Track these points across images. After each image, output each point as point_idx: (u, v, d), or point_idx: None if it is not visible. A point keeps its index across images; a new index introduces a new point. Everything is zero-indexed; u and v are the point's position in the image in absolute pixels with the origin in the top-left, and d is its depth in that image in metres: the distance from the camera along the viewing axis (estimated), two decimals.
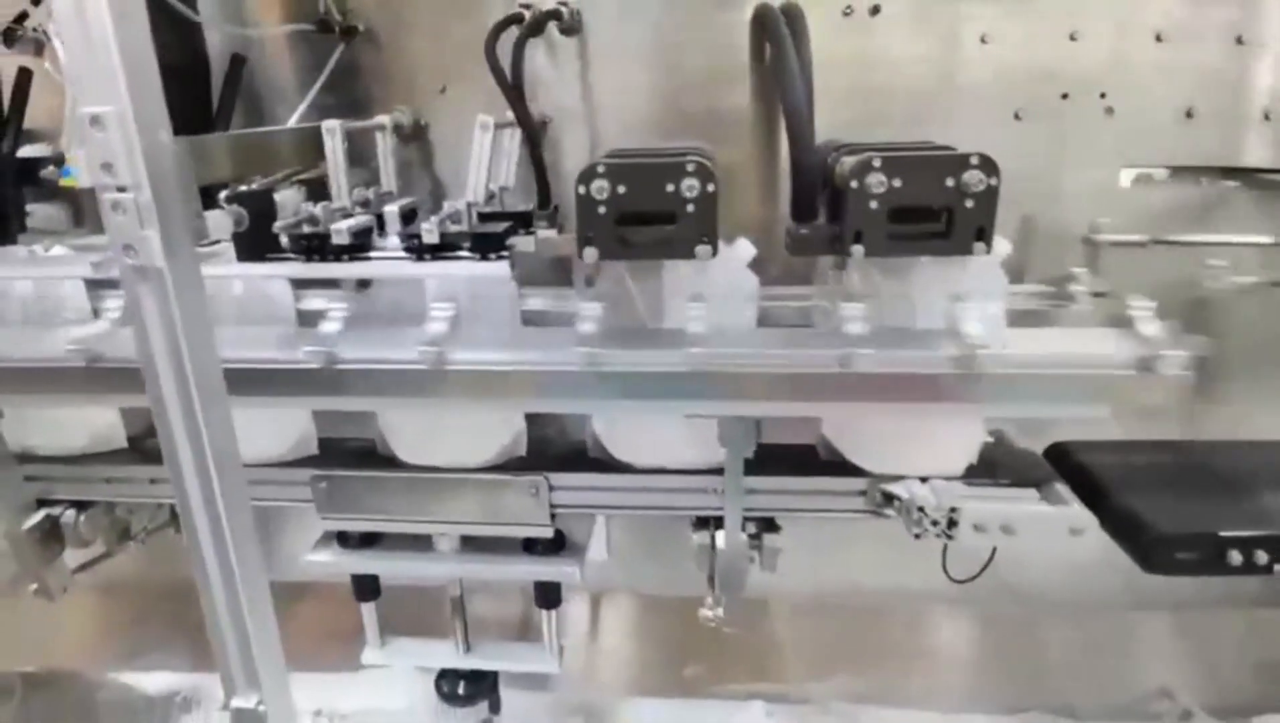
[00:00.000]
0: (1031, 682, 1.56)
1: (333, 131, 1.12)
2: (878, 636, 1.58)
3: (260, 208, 0.99)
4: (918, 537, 1.10)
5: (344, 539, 1.33)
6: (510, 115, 1.26)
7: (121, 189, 0.67)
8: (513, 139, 1.28)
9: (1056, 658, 1.57)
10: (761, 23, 1.21)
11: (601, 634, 1.65)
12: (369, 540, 1.33)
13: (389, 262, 1.00)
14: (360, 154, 1.34)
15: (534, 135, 1.19)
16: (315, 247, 0.97)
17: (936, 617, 1.60)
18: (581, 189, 0.99)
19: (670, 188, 0.99)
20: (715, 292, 1.12)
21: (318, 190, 1.19)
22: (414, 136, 1.37)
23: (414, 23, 1.34)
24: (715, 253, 1.03)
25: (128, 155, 0.66)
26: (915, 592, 1.41)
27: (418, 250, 1.00)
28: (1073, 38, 1.26)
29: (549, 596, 1.34)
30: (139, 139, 0.66)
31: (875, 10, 1.27)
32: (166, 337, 0.73)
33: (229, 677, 0.83)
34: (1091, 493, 1.15)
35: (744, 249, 1.12)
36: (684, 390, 1.03)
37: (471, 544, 1.31)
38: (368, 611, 1.39)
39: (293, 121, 1.29)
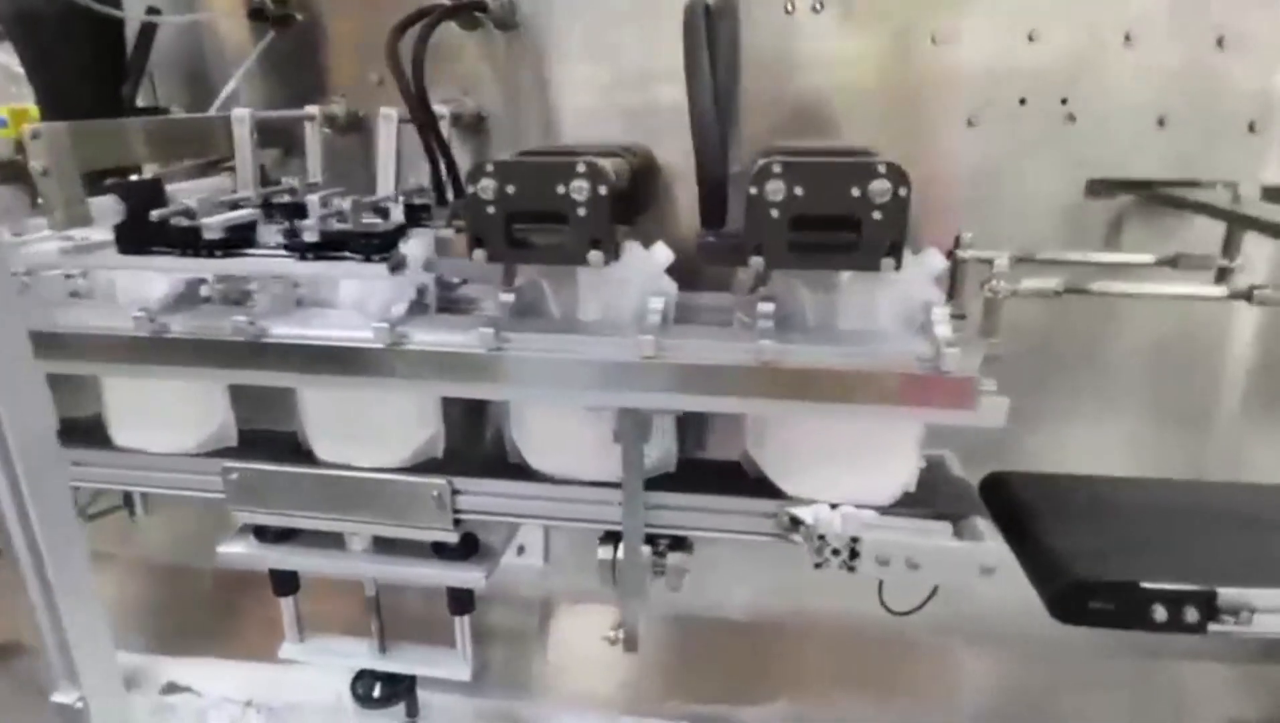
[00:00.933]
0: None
1: (242, 121, 1.10)
2: (815, 660, 1.51)
3: (147, 197, 0.97)
4: (818, 566, 1.03)
5: (261, 533, 1.31)
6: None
7: None
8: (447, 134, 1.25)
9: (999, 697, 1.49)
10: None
11: (531, 641, 1.62)
12: (286, 535, 1.32)
13: (261, 260, 0.97)
14: (300, 145, 1.33)
15: (431, 130, 1.14)
16: (189, 241, 0.94)
17: (873, 643, 1.52)
18: (470, 187, 0.95)
19: (560, 189, 0.94)
20: (628, 298, 1.07)
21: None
22: (351, 128, 1.34)
23: (351, 12, 1.32)
24: (612, 258, 0.99)
25: None
26: (859, 616, 1.33)
27: (300, 249, 0.97)
28: (1031, 38, 1.18)
29: (460, 601, 1.31)
30: None
31: (818, 8, 1.20)
32: None
33: (50, 670, 0.82)
34: (1016, 528, 1.07)
35: (661, 254, 1.07)
36: (577, 379, 0.99)
37: (383, 545, 1.28)
38: (286, 605, 1.37)
39: (214, 108, 1.27)
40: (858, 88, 1.23)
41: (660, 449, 1.14)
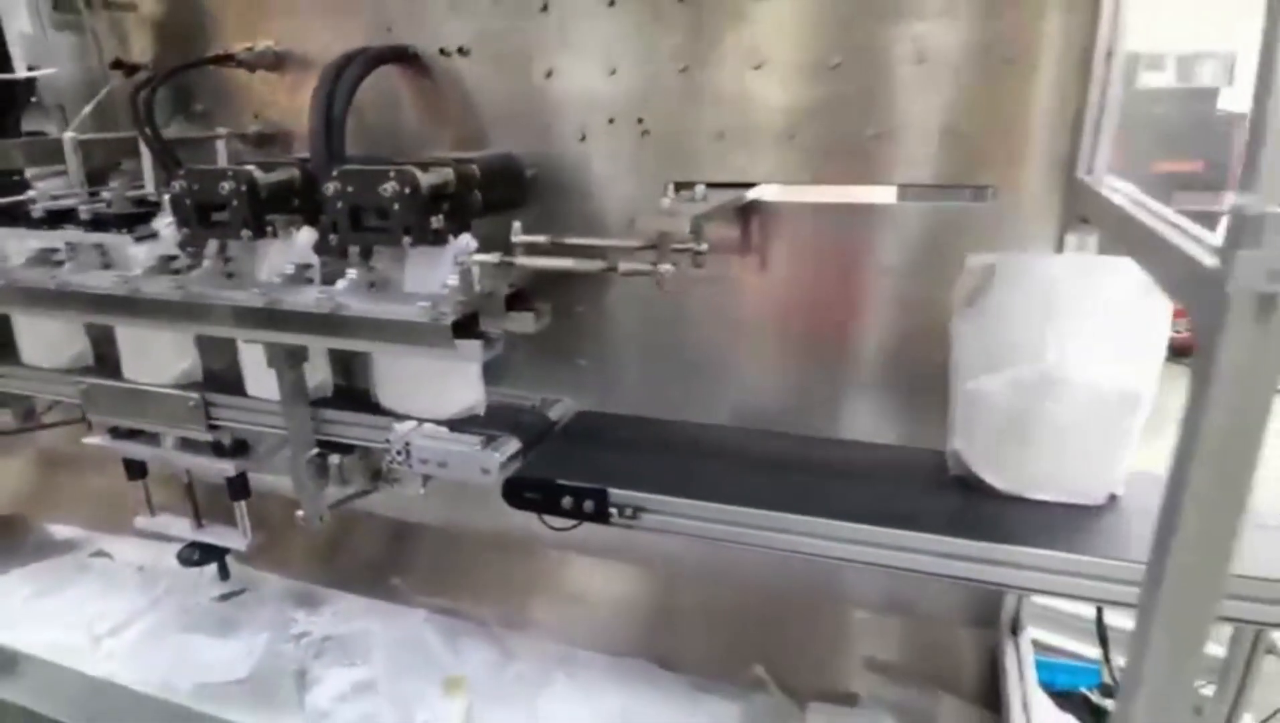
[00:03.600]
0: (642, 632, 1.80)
1: (72, 143, 1.64)
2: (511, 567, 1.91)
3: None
4: (392, 462, 1.43)
5: (114, 431, 1.86)
6: None
7: None
8: None
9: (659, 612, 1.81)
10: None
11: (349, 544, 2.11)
12: (133, 433, 1.86)
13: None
14: None
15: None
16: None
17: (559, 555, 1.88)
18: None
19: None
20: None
21: None
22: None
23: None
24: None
25: None
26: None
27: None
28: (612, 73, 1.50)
29: (235, 489, 1.79)
30: None
31: (463, 50, 1.58)
32: None
33: None
34: (548, 445, 1.43)
35: (305, 236, 1.49)
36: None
37: (187, 444, 1.79)
38: (133, 487, 1.92)
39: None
40: (502, 112, 1.60)
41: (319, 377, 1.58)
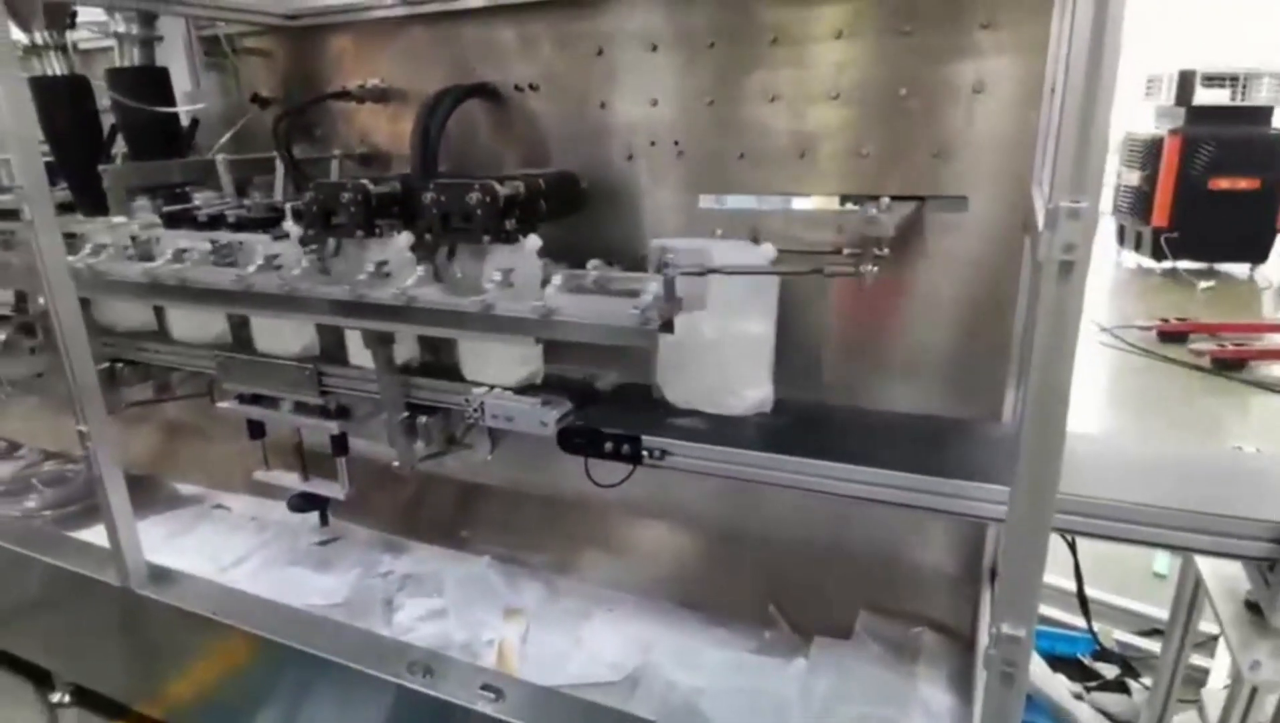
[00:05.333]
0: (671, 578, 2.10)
1: (222, 163, 2.05)
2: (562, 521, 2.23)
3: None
4: (469, 421, 1.77)
5: (241, 397, 2.25)
6: None
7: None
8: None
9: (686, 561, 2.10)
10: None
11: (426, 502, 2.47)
12: (257, 399, 2.24)
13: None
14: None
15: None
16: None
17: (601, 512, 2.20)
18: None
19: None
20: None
21: None
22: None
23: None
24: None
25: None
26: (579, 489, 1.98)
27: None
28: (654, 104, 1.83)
29: (338, 445, 2.16)
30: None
31: (534, 86, 1.94)
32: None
33: None
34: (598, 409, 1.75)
35: (403, 238, 1.85)
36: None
37: (300, 407, 2.17)
38: (255, 446, 2.30)
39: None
40: (563, 136, 1.94)
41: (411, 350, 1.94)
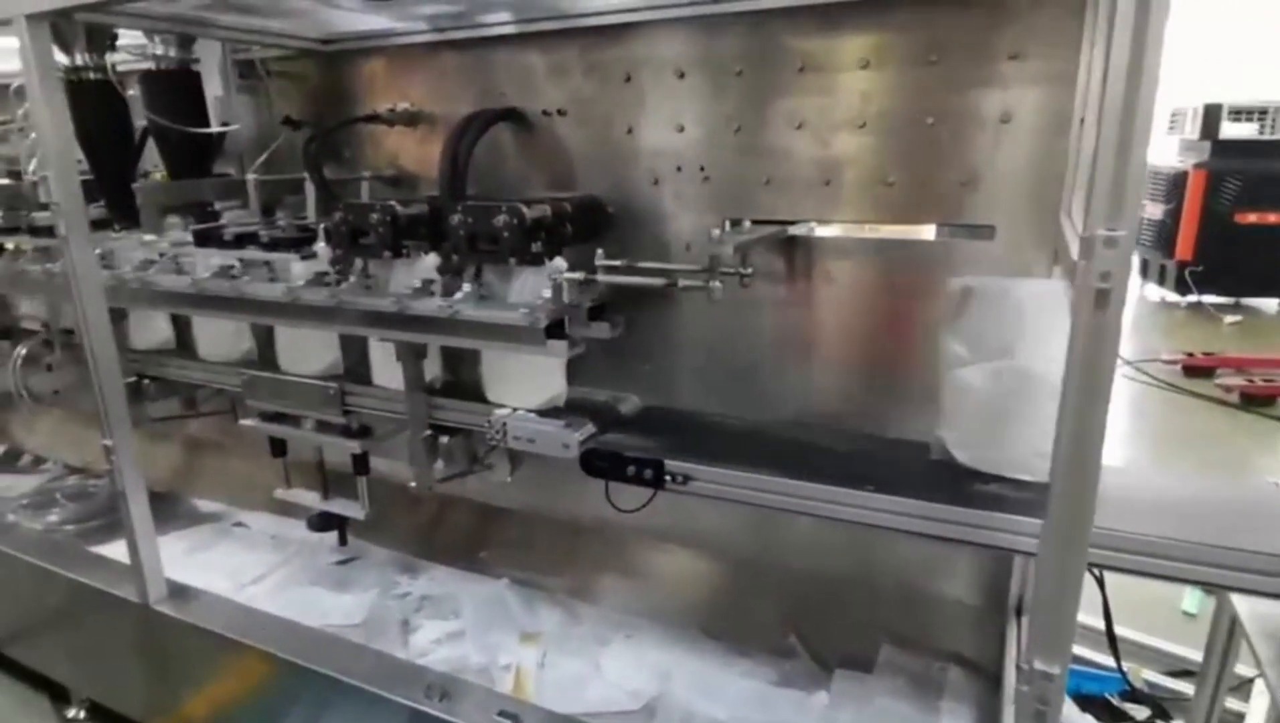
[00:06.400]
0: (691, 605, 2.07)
1: (252, 182, 2.08)
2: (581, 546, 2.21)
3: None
4: (491, 442, 1.77)
5: (264, 415, 2.26)
6: None
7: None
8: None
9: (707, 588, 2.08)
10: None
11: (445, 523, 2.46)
12: (280, 417, 2.26)
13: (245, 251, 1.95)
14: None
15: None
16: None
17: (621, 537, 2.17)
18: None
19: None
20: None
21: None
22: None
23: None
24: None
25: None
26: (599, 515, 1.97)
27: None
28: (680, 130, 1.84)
29: (360, 465, 2.16)
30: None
31: (561, 111, 1.96)
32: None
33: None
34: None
35: (430, 259, 1.86)
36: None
37: (322, 426, 2.18)
38: (276, 464, 2.31)
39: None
40: (591, 160, 1.96)
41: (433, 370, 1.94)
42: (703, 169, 1.85)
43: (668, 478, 1.55)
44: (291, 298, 1.90)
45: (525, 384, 1.82)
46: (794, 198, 1.78)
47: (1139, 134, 0.81)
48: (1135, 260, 8.25)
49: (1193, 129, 7.13)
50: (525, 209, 1.64)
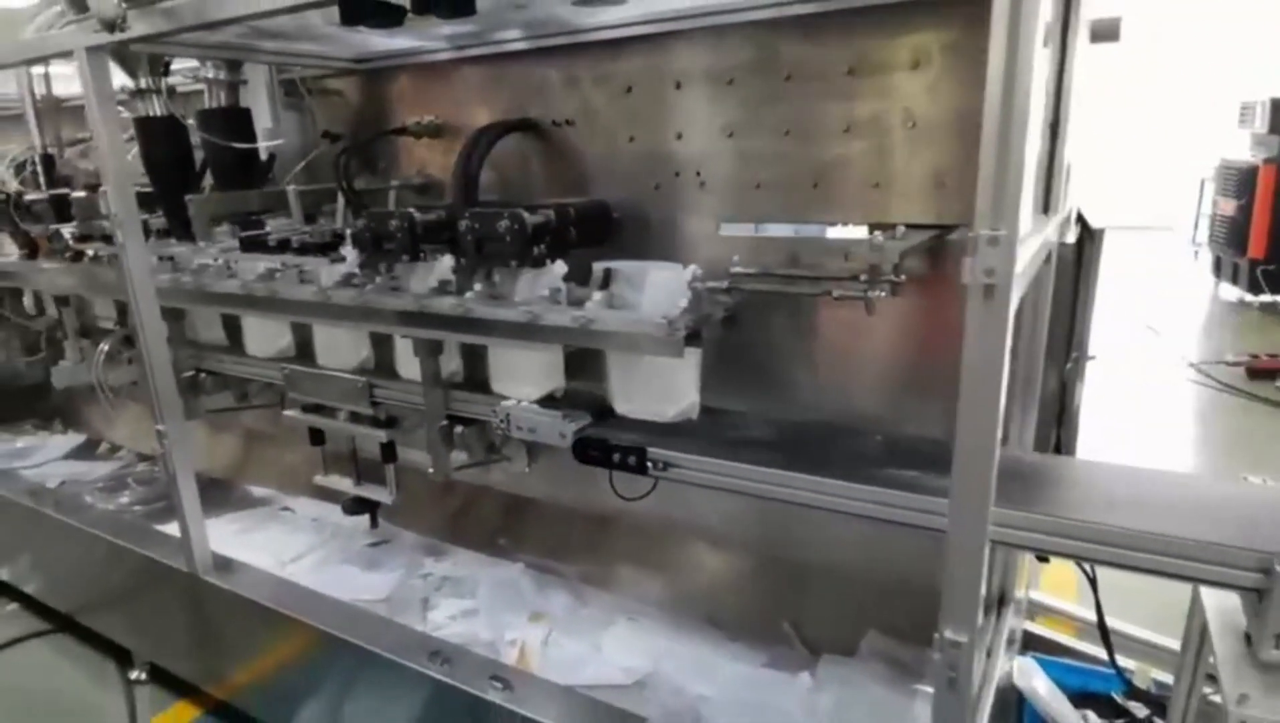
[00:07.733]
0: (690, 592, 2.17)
1: (293, 192, 2.27)
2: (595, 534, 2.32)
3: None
4: (499, 430, 1.90)
5: (304, 406, 2.45)
6: None
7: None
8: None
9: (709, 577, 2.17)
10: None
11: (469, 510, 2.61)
12: (318, 408, 2.44)
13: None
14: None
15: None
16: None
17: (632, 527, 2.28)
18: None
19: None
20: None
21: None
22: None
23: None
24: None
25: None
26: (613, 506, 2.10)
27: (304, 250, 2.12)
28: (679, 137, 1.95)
29: (387, 453, 2.33)
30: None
31: (568, 122, 2.08)
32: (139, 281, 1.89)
33: None
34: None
35: (448, 261, 2.01)
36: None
37: (354, 417, 2.35)
38: (317, 452, 2.50)
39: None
40: (598, 167, 2.08)
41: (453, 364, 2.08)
42: (699, 174, 1.95)
43: (649, 465, 1.66)
44: (322, 298, 2.08)
45: (527, 377, 1.94)
46: (783, 200, 1.86)
47: (1015, 139, 0.88)
48: (1208, 259, 7.93)
49: (1262, 122, 6.81)
50: (526, 215, 1.76)
